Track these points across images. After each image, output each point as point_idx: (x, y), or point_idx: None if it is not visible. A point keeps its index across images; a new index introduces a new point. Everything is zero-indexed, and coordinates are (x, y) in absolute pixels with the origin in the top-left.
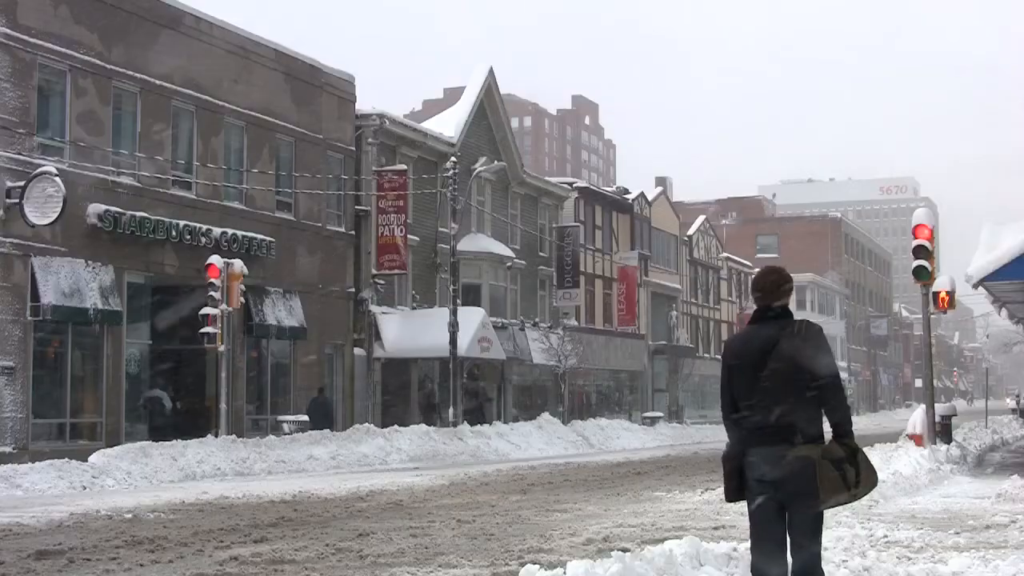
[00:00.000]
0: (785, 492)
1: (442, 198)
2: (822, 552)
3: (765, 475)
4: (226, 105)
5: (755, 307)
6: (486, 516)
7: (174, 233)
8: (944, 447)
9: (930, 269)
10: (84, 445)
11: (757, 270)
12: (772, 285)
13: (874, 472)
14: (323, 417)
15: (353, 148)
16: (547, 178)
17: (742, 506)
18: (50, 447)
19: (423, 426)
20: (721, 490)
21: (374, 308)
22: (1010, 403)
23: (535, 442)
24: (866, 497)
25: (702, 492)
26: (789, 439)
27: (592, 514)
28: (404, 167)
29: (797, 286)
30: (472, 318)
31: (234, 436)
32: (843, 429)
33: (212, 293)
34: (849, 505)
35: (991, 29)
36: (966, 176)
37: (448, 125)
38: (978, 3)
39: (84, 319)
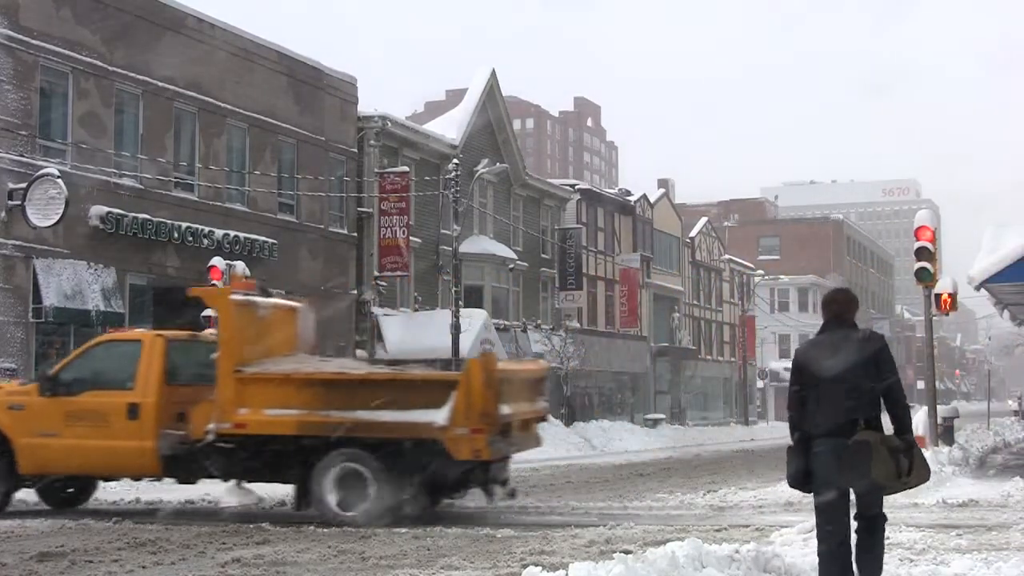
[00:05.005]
0: (843, 472)
1: (444, 200)
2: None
3: (830, 462)
4: (228, 107)
5: (824, 319)
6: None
7: (176, 235)
8: (946, 449)
9: (932, 271)
10: None
11: (829, 288)
12: (844, 300)
13: (927, 468)
14: None
15: (355, 150)
16: (549, 180)
17: (744, 509)
18: None
19: None
20: (723, 492)
21: (376, 310)
22: (1012, 405)
23: None
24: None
25: (704, 494)
26: (852, 430)
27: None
28: (406, 169)
29: (799, 287)
30: (474, 320)
31: None
32: (902, 425)
33: None
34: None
35: (992, 29)
36: (969, 178)
37: (450, 127)
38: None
39: (86, 321)
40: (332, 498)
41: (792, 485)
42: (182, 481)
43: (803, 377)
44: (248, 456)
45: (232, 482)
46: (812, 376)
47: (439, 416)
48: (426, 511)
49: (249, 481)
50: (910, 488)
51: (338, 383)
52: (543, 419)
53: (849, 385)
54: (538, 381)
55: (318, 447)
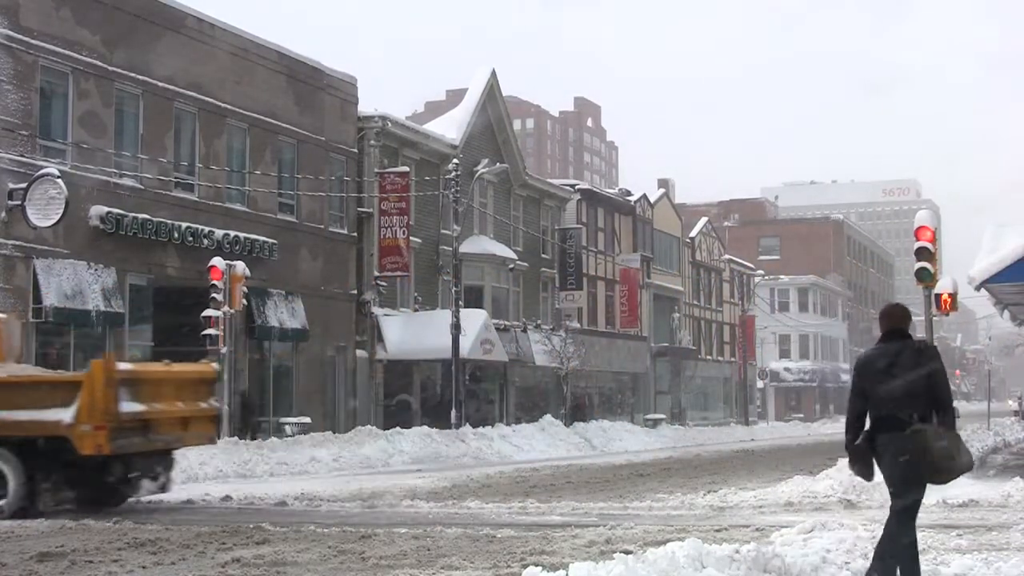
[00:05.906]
0: (904, 457)
1: (444, 200)
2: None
3: (895, 454)
4: (228, 107)
5: (882, 331)
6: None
7: (176, 235)
8: None
9: (932, 271)
10: None
11: (885, 304)
12: (899, 315)
13: (970, 455)
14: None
15: (355, 150)
16: (549, 180)
17: (744, 509)
18: None
19: (425, 428)
20: (723, 492)
21: (376, 310)
22: (1012, 405)
23: (537, 444)
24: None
25: (704, 494)
26: (907, 425)
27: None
28: (406, 169)
29: (799, 287)
30: (474, 320)
31: (236, 438)
32: (947, 423)
33: (214, 295)
34: (850, 507)
35: (992, 29)
36: (969, 178)
37: (450, 127)
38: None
39: (86, 321)
40: None
41: (861, 476)
42: None
43: (864, 380)
44: None
45: None
46: (873, 380)
47: (66, 414)
48: (115, 506)
49: None
50: (958, 472)
51: None
52: (213, 417)
53: (906, 388)
54: (202, 382)
55: None
